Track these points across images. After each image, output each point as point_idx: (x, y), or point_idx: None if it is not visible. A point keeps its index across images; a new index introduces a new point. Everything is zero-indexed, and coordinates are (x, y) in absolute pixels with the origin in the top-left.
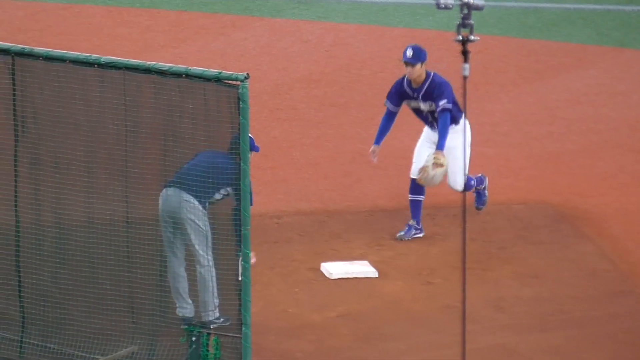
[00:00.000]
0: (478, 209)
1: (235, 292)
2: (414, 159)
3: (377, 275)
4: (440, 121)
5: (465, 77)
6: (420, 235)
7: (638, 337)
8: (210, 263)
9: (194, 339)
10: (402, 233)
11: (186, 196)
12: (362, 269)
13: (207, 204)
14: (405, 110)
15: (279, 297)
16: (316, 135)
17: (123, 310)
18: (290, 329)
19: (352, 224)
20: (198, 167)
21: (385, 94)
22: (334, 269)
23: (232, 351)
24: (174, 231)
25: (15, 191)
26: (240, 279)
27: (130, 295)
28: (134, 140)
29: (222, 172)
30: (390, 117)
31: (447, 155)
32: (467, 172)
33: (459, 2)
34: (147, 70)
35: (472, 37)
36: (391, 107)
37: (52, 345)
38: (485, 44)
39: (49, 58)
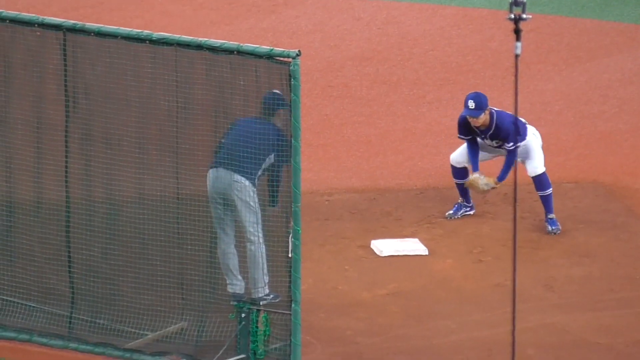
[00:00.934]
0: (553, 233)
1: (286, 269)
2: (460, 149)
3: (427, 253)
4: (508, 157)
5: (517, 56)
6: (471, 212)
7: None
8: (261, 240)
9: (243, 315)
10: (451, 212)
11: (235, 176)
12: (413, 246)
13: (255, 181)
14: (460, 89)
15: (329, 274)
16: (368, 113)
17: (173, 286)
18: (340, 306)
19: (403, 202)
20: (241, 144)
21: (436, 72)
22: (384, 247)
23: (281, 328)
24: (224, 210)
25: (66, 167)
26: (290, 255)
27: (180, 271)
28: (185, 117)
29: (264, 143)
30: (471, 142)
31: (523, 152)
32: (544, 166)
33: None
34: (199, 47)
35: (524, 16)
36: (466, 138)
37: (101, 321)
38: (538, 22)
39: (100, 34)
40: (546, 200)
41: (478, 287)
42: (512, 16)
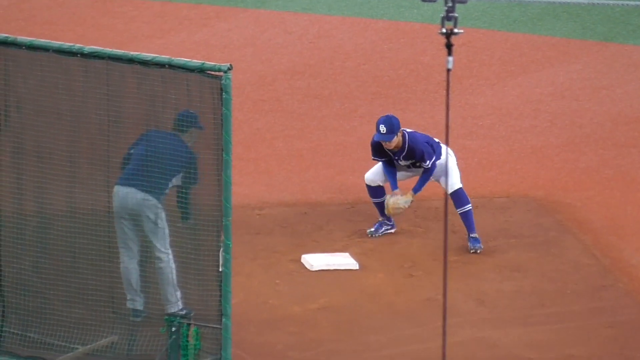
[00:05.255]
0: (474, 251)
1: (216, 283)
2: (374, 168)
3: (357, 267)
4: (424, 174)
5: (449, 70)
6: (392, 230)
7: (620, 332)
8: (170, 257)
9: (174, 329)
10: (372, 230)
11: (143, 195)
12: (343, 260)
13: (163, 198)
14: (391, 103)
15: (260, 288)
16: (299, 127)
17: (104, 300)
18: (270, 320)
19: (334, 216)
20: (150, 158)
21: (368, 86)
22: (314, 261)
23: (212, 342)
24: (130, 226)
25: None
26: (221, 270)
27: (111, 285)
28: (116, 130)
29: (174, 160)
30: (386, 162)
31: (439, 171)
32: (461, 182)
33: None
34: (130, 60)
35: (456, 30)
36: (380, 159)
37: (32, 335)
38: (470, 36)
39: (32, 47)
40: (466, 218)
41: (409, 301)
42: (444, 30)
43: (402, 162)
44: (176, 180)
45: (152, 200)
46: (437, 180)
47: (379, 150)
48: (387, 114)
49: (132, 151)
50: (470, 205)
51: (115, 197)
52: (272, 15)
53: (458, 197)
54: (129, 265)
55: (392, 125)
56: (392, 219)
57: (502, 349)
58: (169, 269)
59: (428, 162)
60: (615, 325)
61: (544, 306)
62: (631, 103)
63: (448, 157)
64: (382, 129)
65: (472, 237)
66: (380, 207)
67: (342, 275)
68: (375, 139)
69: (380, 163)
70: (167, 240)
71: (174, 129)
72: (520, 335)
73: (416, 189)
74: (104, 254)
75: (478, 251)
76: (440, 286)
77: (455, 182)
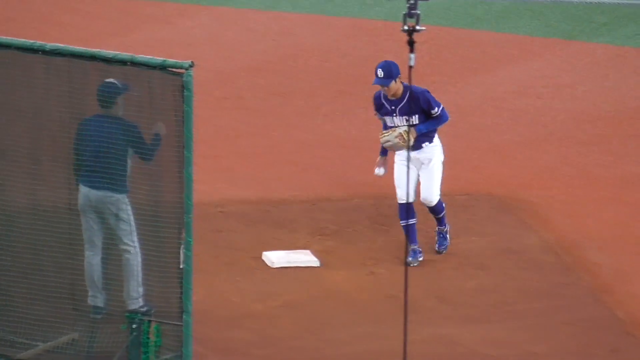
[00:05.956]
0: (439, 251)
1: (177, 280)
2: (397, 183)
3: (318, 265)
4: (433, 120)
5: (411, 67)
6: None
7: (581, 329)
8: (137, 250)
9: (134, 326)
10: (410, 259)
11: (104, 192)
12: (304, 258)
13: (126, 186)
14: (354, 101)
15: (221, 285)
16: (261, 124)
17: (65, 297)
18: (232, 317)
19: (296, 213)
20: (100, 157)
21: (331, 84)
22: (275, 258)
23: (173, 339)
24: (96, 221)
25: None
26: (182, 267)
27: (72, 282)
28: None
29: (120, 147)
30: (386, 126)
31: (424, 169)
32: (440, 190)
33: None
34: (92, 58)
35: (418, 27)
36: (380, 116)
37: None
38: (432, 34)
39: None
40: (439, 220)
41: (370, 299)
42: (406, 27)
43: (397, 120)
44: (130, 157)
45: (114, 195)
46: (419, 176)
47: (377, 102)
48: (386, 60)
49: (78, 147)
50: (444, 212)
51: (79, 195)
52: (234, 13)
53: (434, 210)
54: (92, 261)
55: (390, 70)
56: (417, 246)
57: (463, 346)
58: (136, 262)
59: (436, 108)
60: (577, 322)
61: (505, 304)
62: (594, 101)
63: (439, 145)
64: (380, 72)
65: (439, 233)
66: (411, 230)
67: (304, 272)
68: (373, 83)
69: (399, 173)
70: (134, 233)
71: (102, 107)
72: (481, 332)
73: (419, 127)
74: (66, 251)
75: (443, 252)
76: (402, 283)
77: (434, 193)
